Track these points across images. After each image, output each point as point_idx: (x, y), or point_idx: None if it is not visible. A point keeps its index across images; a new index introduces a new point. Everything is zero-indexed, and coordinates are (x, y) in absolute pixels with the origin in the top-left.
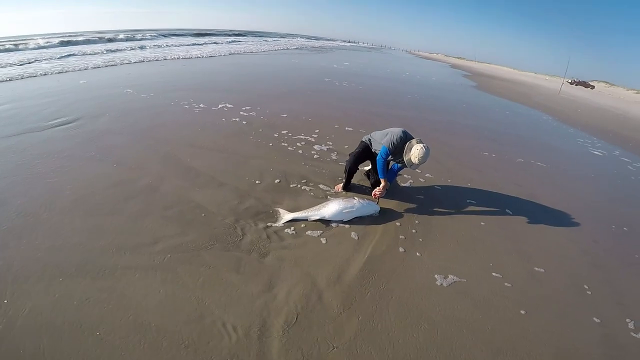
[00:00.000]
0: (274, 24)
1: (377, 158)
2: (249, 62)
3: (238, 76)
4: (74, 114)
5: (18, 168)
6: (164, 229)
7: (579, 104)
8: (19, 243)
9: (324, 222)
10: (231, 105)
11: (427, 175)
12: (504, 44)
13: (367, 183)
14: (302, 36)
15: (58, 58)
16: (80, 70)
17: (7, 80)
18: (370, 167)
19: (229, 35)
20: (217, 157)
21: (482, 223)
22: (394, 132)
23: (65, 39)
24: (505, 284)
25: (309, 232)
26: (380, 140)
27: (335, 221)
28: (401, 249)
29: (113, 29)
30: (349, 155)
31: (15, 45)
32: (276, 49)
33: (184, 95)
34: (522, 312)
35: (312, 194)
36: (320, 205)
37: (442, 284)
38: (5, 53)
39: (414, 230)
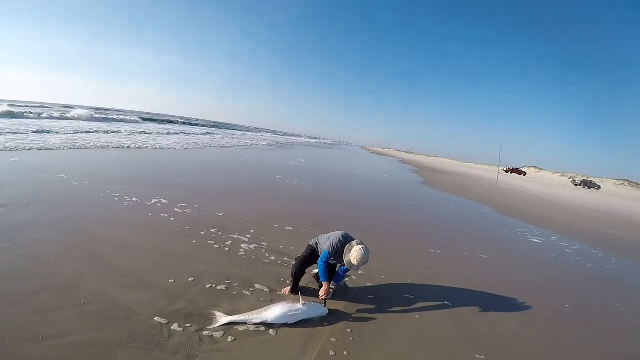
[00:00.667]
0: (246, 117)
1: (318, 262)
2: (205, 156)
3: (185, 170)
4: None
5: None
6: (75, 323)
7: (515, 192)
8: None
9: (267, 325)
10: (166, 201)
11: (375, 275)
12: (447, 138)
13: (316, 285)
14: (268, 131)
15: None
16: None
17: None
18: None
19: (205, 126)
20: (145, 256)
21: (432, 317)
22: (335, 236)
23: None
24: None
25: (247, 336)
26: (324, 244)
27: (279, 325)
28: (345, 353)
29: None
30: (295, 259)
31: None
32: (241, 144)
33: (118, 187)
34: None
35: (253, 298)
36: (262, 308)
37: None
38: None
39: (358, 332)
